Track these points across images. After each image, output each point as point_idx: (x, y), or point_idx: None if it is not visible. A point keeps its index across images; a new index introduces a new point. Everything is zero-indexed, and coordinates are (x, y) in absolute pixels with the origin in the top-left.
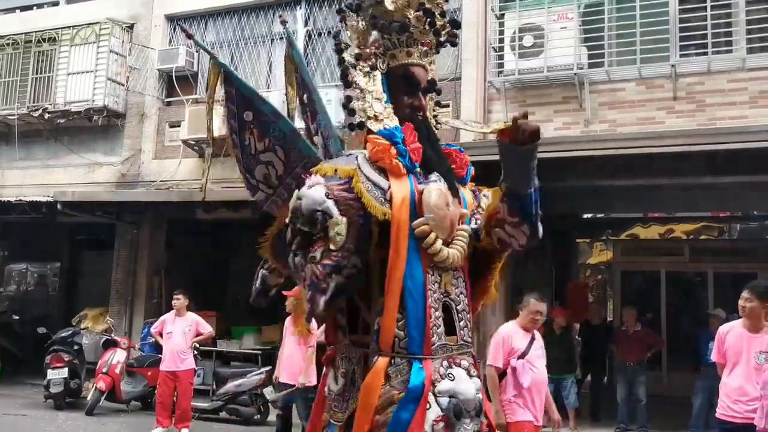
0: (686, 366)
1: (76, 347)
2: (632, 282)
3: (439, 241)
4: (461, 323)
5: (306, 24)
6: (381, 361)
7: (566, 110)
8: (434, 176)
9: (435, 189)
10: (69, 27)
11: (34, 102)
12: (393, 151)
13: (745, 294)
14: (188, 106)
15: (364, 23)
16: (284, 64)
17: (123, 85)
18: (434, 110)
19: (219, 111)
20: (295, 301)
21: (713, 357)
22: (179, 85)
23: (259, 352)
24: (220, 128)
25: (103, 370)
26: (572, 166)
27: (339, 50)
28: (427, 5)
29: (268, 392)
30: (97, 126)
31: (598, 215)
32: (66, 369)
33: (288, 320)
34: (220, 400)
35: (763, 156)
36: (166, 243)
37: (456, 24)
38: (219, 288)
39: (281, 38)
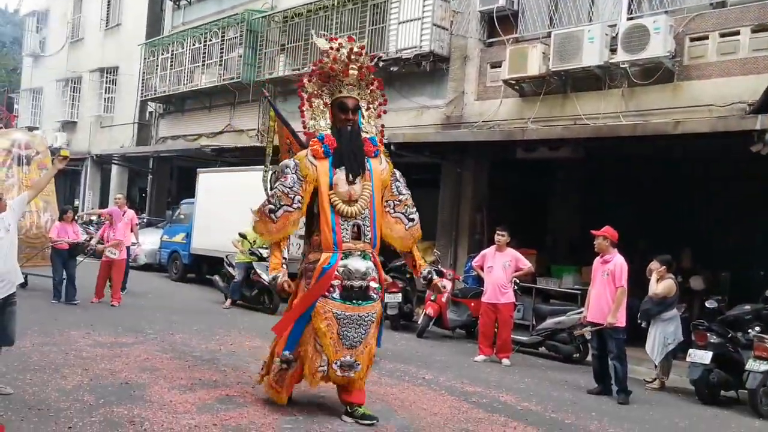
0: None
1: (408, 275)
2: None
3: None
4: None
5: None
6: None
7: None
8: None
9: None
10: None
11: (370, 52)
12: None
13: None
14: (509, 46)
15: None
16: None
17: (447, 29)
18: None
19: (539, 48)
20: (604, 240)
21: None
22: (500, 25)
23: (578, 291)
24: (540, 67)
25: (432, 298)
26: None
27: None
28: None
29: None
30: (424, 71)
31: None
32: (400, 294)
33: (597, 260)
34: (540, 336)
35: None
36: (488, 181)
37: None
38: (538, 226)
39: None
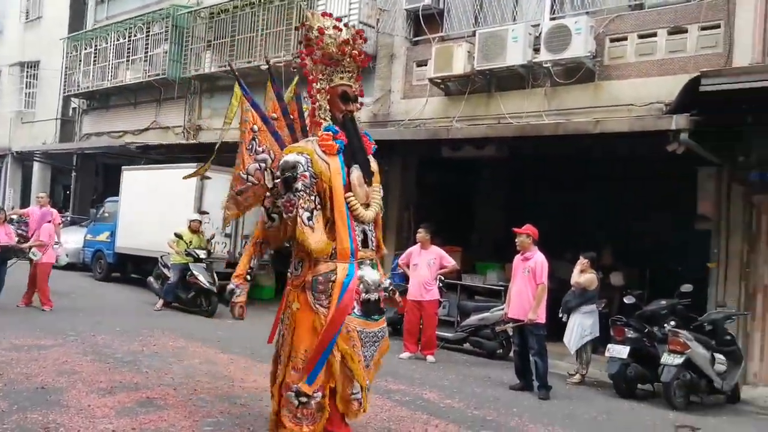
0: None
1: None
2: None
3: None
4: None
5: None
6: None
7: None
8: None
9: None
10: None
11: (297, 49)
12: None
13: None
14: (434, 45)
15: None
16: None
17: (373, 27)
18: None
19: (464, 47)
20: (526, 237)
21: None
22: (426, 23)
23: (502, 288)
24: (465, 66)
25: None
26: None
27: None
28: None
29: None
30: None
31: None
32: None
33: (517, 257)
34: (464, 332)
35: None
36: (416, 180)
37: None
38: (464, 224)
39: None
